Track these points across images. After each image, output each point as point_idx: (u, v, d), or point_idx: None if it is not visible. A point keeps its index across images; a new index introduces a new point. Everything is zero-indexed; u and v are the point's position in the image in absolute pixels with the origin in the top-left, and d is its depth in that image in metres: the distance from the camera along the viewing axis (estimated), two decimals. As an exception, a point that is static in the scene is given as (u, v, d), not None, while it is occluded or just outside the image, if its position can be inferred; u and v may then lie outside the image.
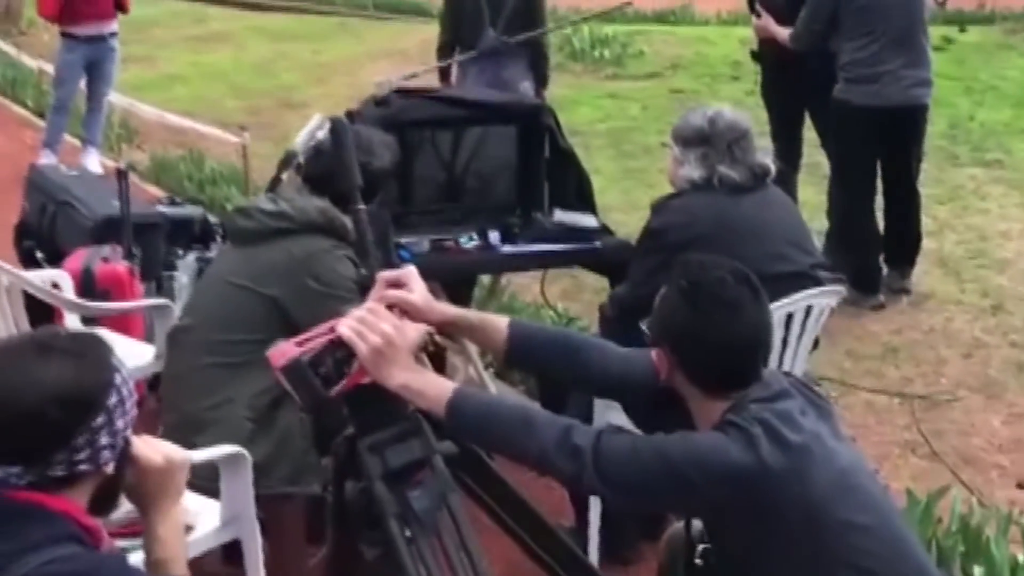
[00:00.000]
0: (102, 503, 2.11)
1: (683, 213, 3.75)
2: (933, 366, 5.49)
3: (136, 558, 2.19)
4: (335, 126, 2.72)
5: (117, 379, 2.07)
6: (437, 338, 2.67)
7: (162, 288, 5.16)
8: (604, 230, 4.65)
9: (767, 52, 6.51)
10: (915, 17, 5.96)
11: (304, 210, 3.50)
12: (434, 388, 2.40)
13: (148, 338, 4.64)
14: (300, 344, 2.36)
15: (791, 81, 6.35)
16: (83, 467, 2.02)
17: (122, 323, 4.65)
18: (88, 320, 4.50)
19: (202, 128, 9.07)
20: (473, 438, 2.51)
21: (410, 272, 2.56)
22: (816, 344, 3.95)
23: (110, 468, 2.07)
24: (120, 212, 5.00)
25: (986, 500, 4.28)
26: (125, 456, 2.11)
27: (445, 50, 7.10)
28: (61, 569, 1.93)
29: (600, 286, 5.31)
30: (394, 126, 4.34)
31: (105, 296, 4.70)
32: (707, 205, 3.72)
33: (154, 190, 8.02)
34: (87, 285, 4.72)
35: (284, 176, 4.25)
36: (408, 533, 2.32)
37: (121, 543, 2.36)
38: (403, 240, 4.34)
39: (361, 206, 2.63)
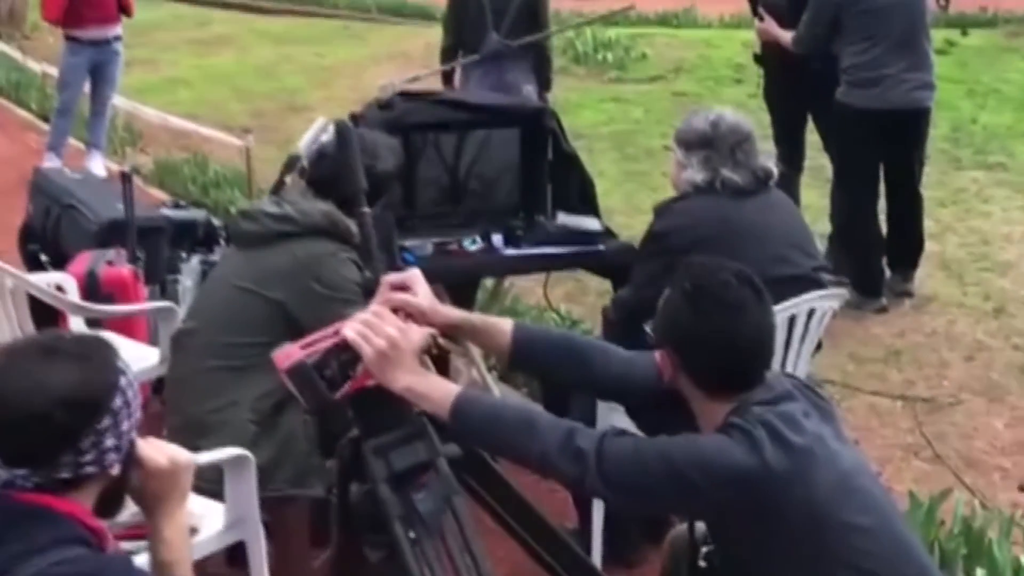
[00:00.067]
0: (108, 505, 2.12)
1: (686, 216, 3.75)
2: (936, 369, 5.49)
3: (141, 560, 2.20)
4: (340, 129, 2.73)
5: (122, 381, 2.08)
6: (441, 341, 2.68)
7: (166, 291, 5.17)
8: (607, 233, 4.65)
9: (770, 55, 6.52)
10: (917, 20, 5.96)
11: (308, 213, 3.51)
12: (438, 391, 2.41)
13: (152, 341, 4.65)
14: (305, 347, 2.37)
15: (793, 84, 6.36)
16: (89, 469, 2.03)
17: (126, 326, 4.66)
18: (92, 323, 4.52)
19: (206, 131, 9.08)
20: (477, 441, 2.51)
21: (415, 275, 2.57)
22: (819, 347, 3.96)
23: (116, 470, 2.08)
24: (124, 215, 5.01)
25: (988, 503, 4.28)
26: (130, 458, 2.12)
27: (448, 53, 7.11)
28: (67, 571, 1.94)
29: (603, 289, 5.31)
30: (398, 129, 4.35)
31: (109, 299, 4.71)
32: (710, 208, 3.72)
33: (158, 193, 8.03)
34: (91, 288, 4.73)
35: (288, 179, 4.26)
36: (412, 535, 2.33)
37: (126, 545, 2.37)
38: (407, 243, 4.35)
39: (366, 209, 2.64)
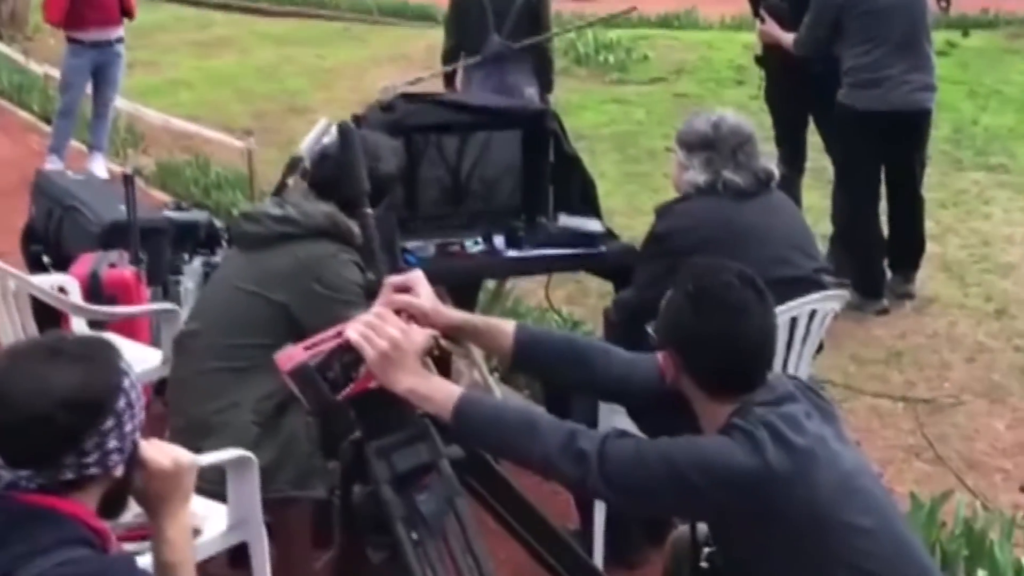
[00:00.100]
0: (111, 506, 2.12)
1: (687, 218, 3.76)
2: (937, 370, 5.49)
3: (144, 561, 2.21)
4: (343, 131, 2.74)
5: (126, 383, 2.09)
6: (442, 342, 2.68)
7: (168, 293, 5.18)
8: (609, 234, 4.66)
9: (771, 57, 6.52)
10: (918, 22, 5.96)
11: (310, 215, 3.51)
12: (440, 392, 2.42)
13: (154, 342, 4.66)
14: (308, 348, 2.37)
15: (795, 86, 6.36)
16: (92, 470, 2.04)
17: (129, 328, 4.67)
18: (95, 324, 4.52)
19: (207, 133, 9.09)
20: (479, 442, 2.52)
21: (417, 277, 2.58)
22: (820, 348, 3.96)
23: (119, 471, 2.08)
24: (126, 217, 5.01)
25: (990, 504, 4.28)
26: (134, 459, 2.12)
27: (450, 55, 7.12)
28: (71, 572, 1.95)
29: (605, 290, 5.32)
30: (400, 131, 4.36)
31: (112, 301, 4.72)
32: (711, 210, 3.73)
33: (160, 195, 8.04)
34: (94, 290, 4.74)
35: (290, 181, 4.27)
36: (415, 536, 2.33)
37: (129, 546, 2.37)
38: (409, 245, 4.35)
39: (368, 211, 2.65)
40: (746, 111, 4.78)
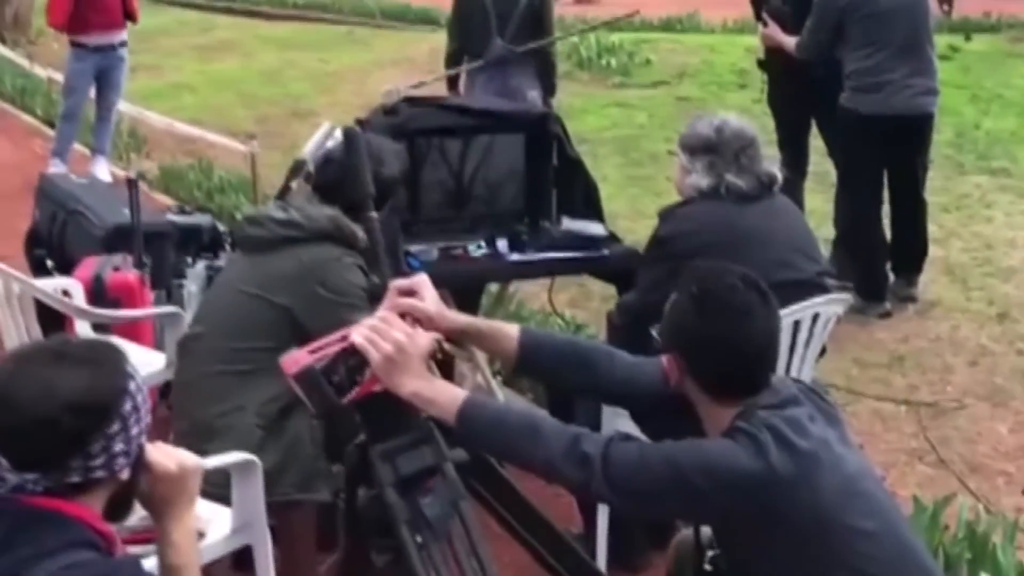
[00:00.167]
0: (117, 509, 2.13)
1: (690, 221, 3.76)
2: (940, 374, 5.50)
3: (150, 564, 2.21)
4: (349, 136, 2.75)
5: (132, 386, 2.09)
6: (446, 346, 2.69)
7: (172, 296, 5.18)
8: (611, 238, 4.66)
9: (773, 61, 6.53)
10: (920, 26, 5.97)
11: (314, 218, 3.52)
12: (445, 396, 2.42)
13: (158, 346, 4.67)
14: (313, 352, 2.38)
15: (797, 89, 6.37)
16: (98, 473, 2.04)
17: (132, 331, 4.67)
18: (99, 328, 4.53)
19: (210, 137, 9.10)
20: (483, 446, 2.52)
21: (422, 280, 2.59)
22: (823, 352, 3.96)
23: (125, 474, 2.09)
24: (131, 221, 5.02)
25: (993, 507, 4.28)
26: (140, 462, 2.13)
27: (453, 59, 7.12)
28: (77, 574, 1.95)
29: (608, 294, 5.32)
30: (403, 134, 4.36)
31: (116, 304, 4.72)
32: (714, 213, 3.73)
33: (163, 199, 8.05)
34: (98, 293, 4.74)
35: (294, 185, 4.27)
36: (419, 539, 2.34)
37: (135, 549, 2.38)
38: (412, 248, 4.36)
39: (374, 214, 2.66)
40: (748, 115, 4.78)
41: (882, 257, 6.19)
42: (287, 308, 3.43)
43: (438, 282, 2.67)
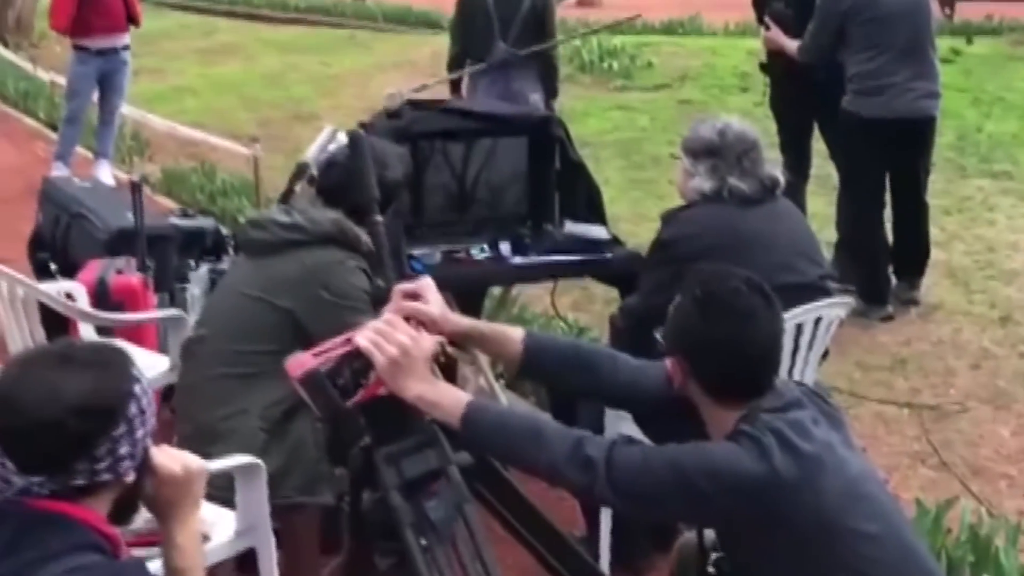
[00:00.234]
0: (122, 512, 2.13)
1: (693, 224, 3.76)
2: (942, 377, 5.50)
3: (155, 567, 2.21)
4: (354, 139, 2.75)
5: (137, 389, 2.10)
6: (448, 349, 2.69)
7: (175, 300, 5.18)
8: (614, 241, 4.67)
9: (775, 64, 6.53)
10: (922, 29, 5.97)
11: (317, 222, 3.52)
12: (449, 399, 2.43)
13: (162, 349, 4.68)
14: (318, 355, 2.38)
15: (799, 93, 6.37)
16: (104, 476, 2.04)
17: (136, 334, 4.67)
18: (102, 331, 4.54)
19: (213, 140, 9.11)
20: (486, 449, 2.52)
21: (427, 284, 2.59)
22: (825, 355, 3.97)
23: (130, 477, 2.09)
24: (134, 224, 5.03)
25: (995, 510, 4.28)
26: (145, 465, 2.13)
27: (455, 62, 7.14)
28: (83, 577, 1.96)
29: (610, 297, 5.33)
30: (406, 138, 4.37)
31: (119, 307, 4.72)
32: (717, 217, 3.73)
33: (166, 202, 8.06)
34: (101, 296, 4.75)
35: (297, 188, 4.28)
36: (424, 542, 2.34)
37: (140, 552, 2.38)
38: (415, 251, 4.37)
39: (378, 218, 2.66)
40: (750, 118, 4.77)
41: (884, 260, 6.19)
42: (290, 311, 3.43)
43: (441, 285, 2.67)
